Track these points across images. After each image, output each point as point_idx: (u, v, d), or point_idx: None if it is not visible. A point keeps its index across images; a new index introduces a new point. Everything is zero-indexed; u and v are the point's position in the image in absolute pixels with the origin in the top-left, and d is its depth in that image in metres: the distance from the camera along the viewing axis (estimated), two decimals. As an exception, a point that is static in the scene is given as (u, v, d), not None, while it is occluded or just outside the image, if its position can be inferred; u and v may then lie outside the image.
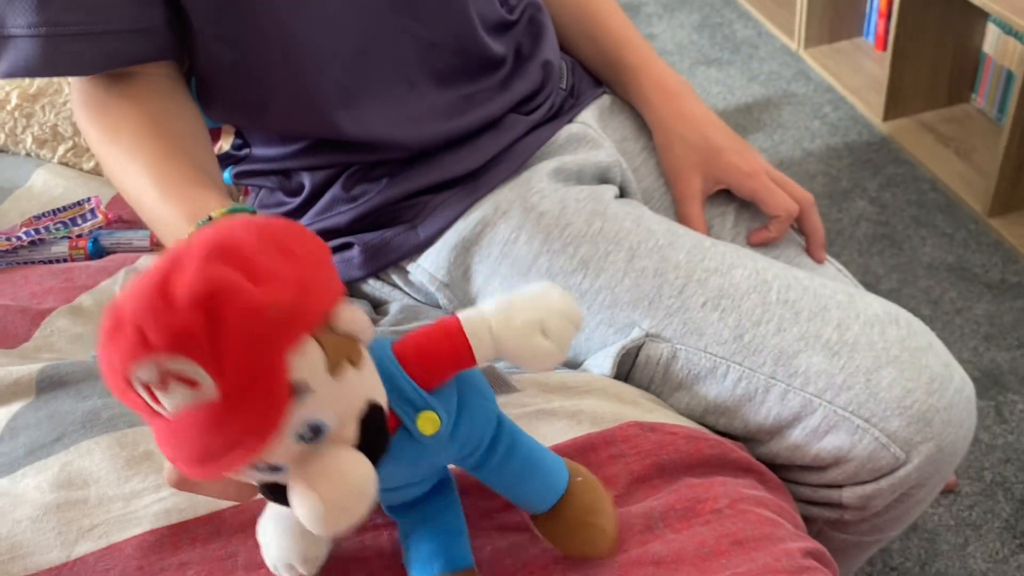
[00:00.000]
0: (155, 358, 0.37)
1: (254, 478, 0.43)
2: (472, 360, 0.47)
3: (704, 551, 0.56)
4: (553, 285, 0.50)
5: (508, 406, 0.68)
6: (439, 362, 0.47)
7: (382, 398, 0.44)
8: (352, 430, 0.42)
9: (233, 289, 0.37)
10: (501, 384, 0.69)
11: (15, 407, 0.67)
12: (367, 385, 0.43)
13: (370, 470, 0.42)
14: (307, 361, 0.39)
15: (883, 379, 0.67)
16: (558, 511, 0.54)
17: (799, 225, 0.86)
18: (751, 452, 0.70)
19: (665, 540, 0.57)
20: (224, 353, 0.37)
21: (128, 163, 0.65)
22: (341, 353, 0.41)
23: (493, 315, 0.48)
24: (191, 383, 0.37)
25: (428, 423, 0.46)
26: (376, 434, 0.43)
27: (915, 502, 0.74)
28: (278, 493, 0.42)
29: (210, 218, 0.50)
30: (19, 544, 0.58)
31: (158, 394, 0.38)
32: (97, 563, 0.57)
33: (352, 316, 0.42)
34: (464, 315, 0.48)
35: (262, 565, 0.56)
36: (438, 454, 0.49)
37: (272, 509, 0.52)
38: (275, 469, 0.41)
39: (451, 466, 0.56)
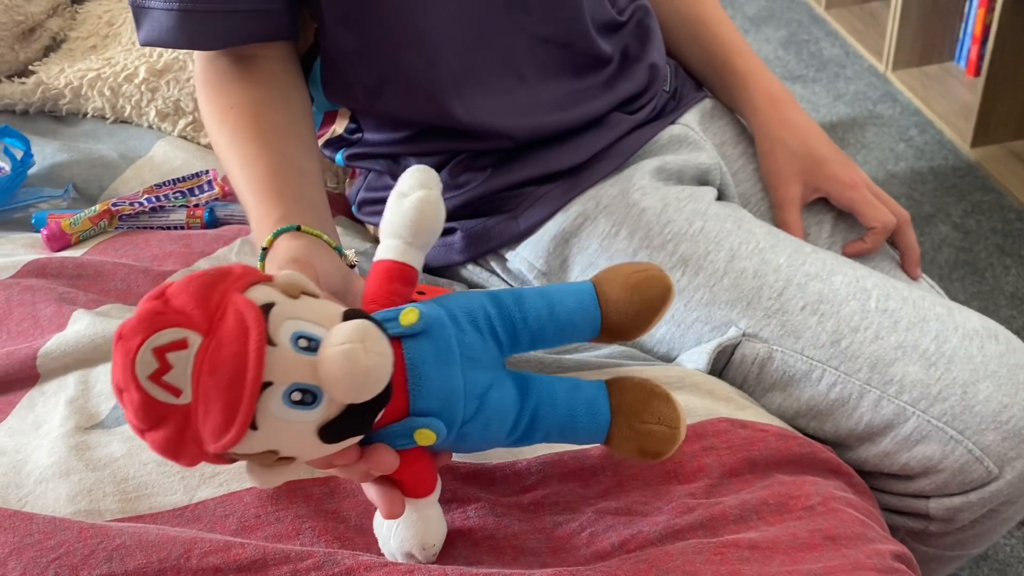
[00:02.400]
0: (142, 346, 0.43)
1: (294, 423, 0.45)
2: (404, 268, 0.56)
3: (797, 543, 0.58)
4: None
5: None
6: (380, 287, 0.55)
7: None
8: (342, 328, 0.46)
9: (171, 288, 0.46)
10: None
11: (141, 359, 0.72)
12: (334, 305, 0.48)
13: (371, 325, 0.46)
14: (261, 292, 0.46)
15: (980, 392, 0.68)
16: (613, 434, 0.55)
17: (895, 241, 0.86)
18: (839, 457, 0.71)
19: (759, 531, 0.59)
20: (188, 309, 0.44)
21: (228, 150, 0.70)
22: (293, 288, 0.47)
23: (386, 225, 0.58)
24: (180, 344, 0.43)
25: (409, 314, 0.51)
26: (359, 314, 0.48)
27: (1002, 520, 0.74)
28: (337, 428, 0.46)
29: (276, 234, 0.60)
30: (145, 484, 0.62)
31: (168, 379, 0.43)
32: (217, 508, 0.61)
33: (290, 274, 0.48)
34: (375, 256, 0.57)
35: (370, 530, 0.59)
36: (453, 332, 0.53)
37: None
38: (307, 395, 0.45)
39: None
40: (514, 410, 0.54)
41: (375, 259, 0.57)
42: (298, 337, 0.45)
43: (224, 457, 0.46)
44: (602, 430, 0.55)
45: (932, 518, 0.72)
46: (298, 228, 0.60)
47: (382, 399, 0.47)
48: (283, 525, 0.59)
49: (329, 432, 0.46)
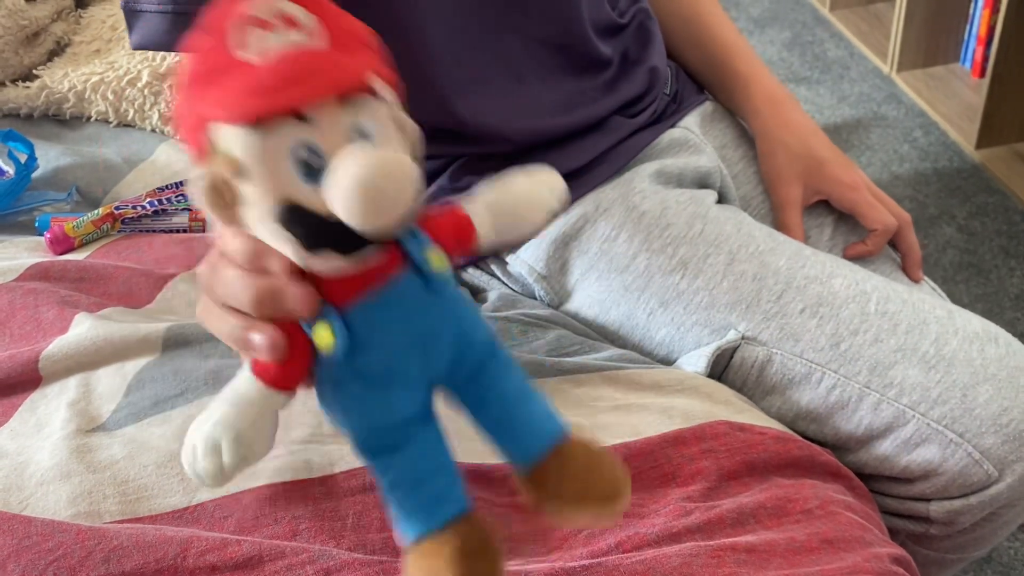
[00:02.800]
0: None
1: (294, 184, 0.40)
2: (469, 232, 0.46)
3: (795, 546, 0.58)
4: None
5: (600, 400, 0.70)
6: (440, 229, 0.46)
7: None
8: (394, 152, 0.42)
9: None
10: None
11: (142, 362, 0.72)
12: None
13: (414, 164, 0.40)
14: (386, 89, 0.42)
15: (980, 395, 0.68)
16: (561, 449, 0.45)
17: (895, 243, 0.86)
18: (839, 460, 0.71)
19: (757, 534, 0.59)
20: (344, 25, 0.41)
21: None
22: (408, 132, 0.43)
23: (481, 192, 0.48)
24: (298, 26, 0.40)
25: (437, 258, 0.44)
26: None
27: (1003, 523, 0.74)
28: (299, 219, 0.40)
29: None
30: (145, 486, 0.63)
31: (254, 33, 0.39)
32: (216, 510, 0.61)
33: (417, 128, 0.45)
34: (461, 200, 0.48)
35: (370, 529, 0.59)
36: (446, 309, 0.45)
37: (223, 392, 0.44)
38: (317, 170, 0.39)
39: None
40: (398, 418, 0.45)
41: (462, 202, 0.48)
42: (358, 129, 0.40)
43: (204, 144, 0.41)
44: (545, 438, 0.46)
45: (932, 521, 0.72)
46: None
47: (359, 242, 0.40)
48: (281, 526, 0.59)
49: (295, 217, 0.40)
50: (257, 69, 0.39)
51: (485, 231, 0.47)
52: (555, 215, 0.49)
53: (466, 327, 0.45)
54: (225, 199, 0.40)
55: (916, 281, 0.85)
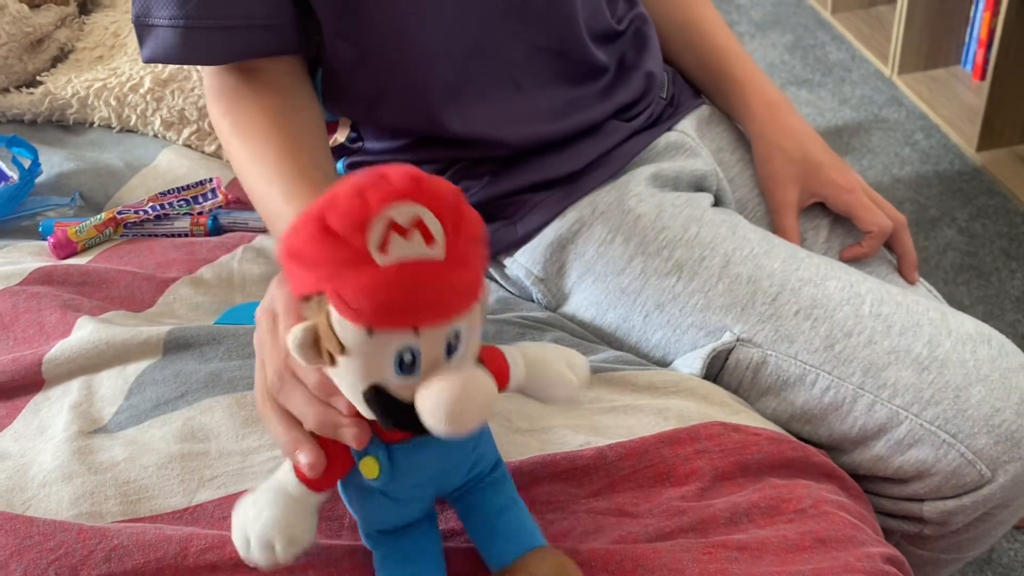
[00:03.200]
0: (421, 205, 0.43)
1: (387, 373, 0.45)
2: (507, 377, 0.53)
3: (787, 544, 0.58)
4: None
5: (596, 401, 0.71)
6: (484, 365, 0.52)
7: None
8: (470, 364, 0.48)
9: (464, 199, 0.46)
10: None
11: (144, 364, 0.73)
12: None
13: (495, 385, 0.46)
14: (482, 291, 0.46)
15: (972, 396, 0.68)
16: (530, 561, 0.53)
17: (891, 245, 0.87)
18: (834, 461, 0.72)
19: (749, 533, 0.60)
20: (459, 227, 0.44)
21: (253, 160, 0.71)
22: (484, 305, 0.48)
23: (526, 349, 0.54)
24: (429, 238, 0.43)
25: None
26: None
27: (996, 523, 0.74)
28: (389, 406, 0.46)
29: None
30: (146, 487, 0.63)
31: (392, 239, 0.43)
32: (215, 510, 0.62)
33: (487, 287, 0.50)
34: (501, 347, 0.54)
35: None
36: (471, 447, 0.53)
37: (268, 484, 0.51)
38: (411, 366, 0.45)
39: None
40: (407, 522, 0.54)
41: (503, 348, 0.55)
42: (455, 333, 0.45)
43: (308, 297, 0.46)
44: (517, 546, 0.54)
45: (926, 521, 0.73)
46: None
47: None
48: (279, 527, 0.60)
49: (383, 402, 0.46)
50: (386, 284, 0.43)
51: (517, 383, 0.53)
52: (571, 402, 0.57)
53: (481, 459, 0.54)
54: (321, 356, 0.46)
55: (912, 283, 0.85)
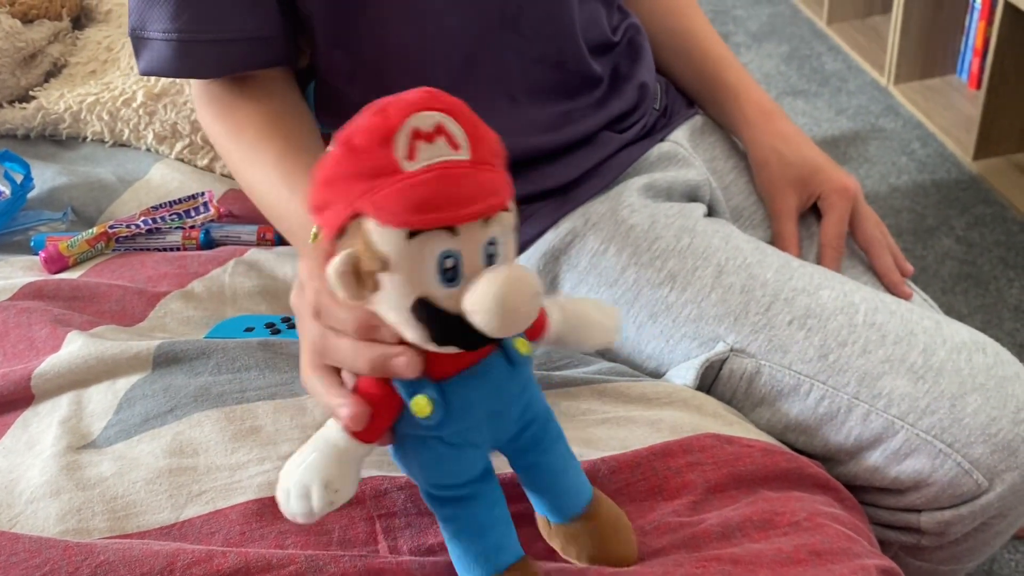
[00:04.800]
0: (439, 111, 0.45)
1: (432, 284, 0.45)
2: (543, 322, 0.54)
3: (781, 557, 0.57)
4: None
5: (588, 413, 0.70)
6: None
7: None
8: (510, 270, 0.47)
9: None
10: None
11: (133, 379, 0.73)
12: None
13: (539, 281, 0.46)
14: (511, 201, 0.47)
15: (968, 405, 0.67)
16: (593, 511, 0.56)
17: (871, 265, 0.85)
18: (829, 472, 0.71)
19: (743, 547, 0.59)
20: (479, 135, 0.46)
21: (253, 159, 0.71)
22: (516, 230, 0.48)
23: (560, 299, 0.55)
24: (453, 143, 0.45)
25: (523, 345, 0.51)
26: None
27: (994, 533, 0.73)
28: (437, 319, 0.45)
29: None
30: (133, 503, 0.63)
31: (418, 146, 0.44)
32: (203, 526, 0.61)
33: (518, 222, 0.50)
34: None
35: (355, 543, 0.59)
36: (521, 387, 0.52)
37: (314, 438, 0.50)
38: (453, 274, 0.45)
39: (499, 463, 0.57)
40: (468, 476, 0.53)
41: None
42: (491, 242, 0.46)
43: (341, 228, 0.46)
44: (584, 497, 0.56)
45: (924, 532, 0.72)
46: None
47: (482, 340, 0.46)
48: (267, 541, 0.59)
49: (430, 315, 0.45)
50: (420, 184, 0.44)
51: (555, 330, 0.54)
52: (609, 345, 0.57)
53: (531, 405, 0.54)
54: (360, 284, 0.46)
55: (905, 298, 0.84)
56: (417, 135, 0.44)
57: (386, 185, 0.44)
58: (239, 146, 0.72)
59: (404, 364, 0.47)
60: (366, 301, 0.47)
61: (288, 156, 0.69)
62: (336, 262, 0.45)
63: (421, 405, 0.48)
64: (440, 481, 0.52)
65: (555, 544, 0.57)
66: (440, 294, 0.45)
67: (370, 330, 0.48)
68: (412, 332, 0.47)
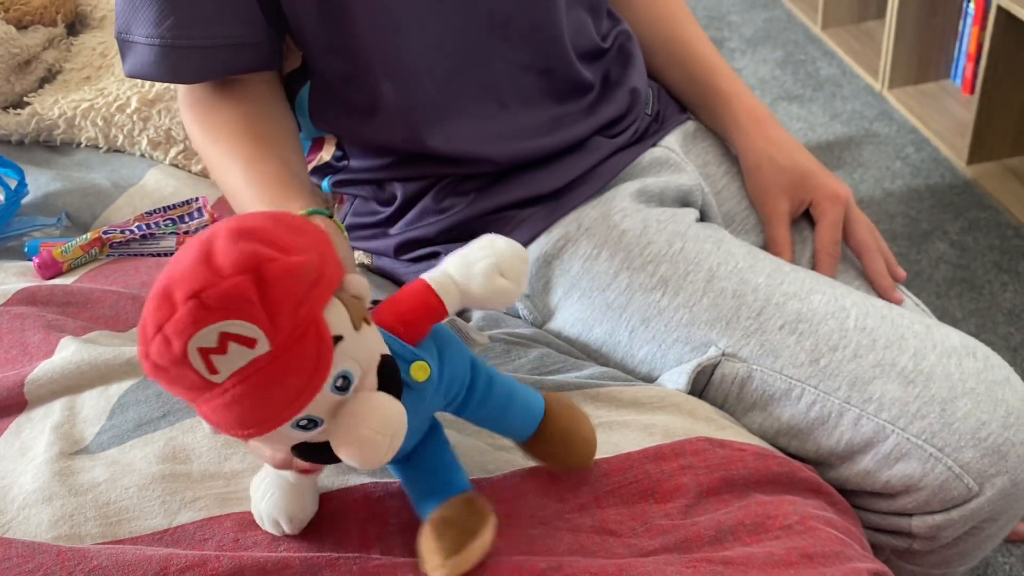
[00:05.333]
0: (215, 324, 0.42)
1: (292, 438, 0.48)
2: (444, 312, 0.54)
3: (773, 560, 0.58)
4: (497, 235, 0.57)
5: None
6: (416, 319, 0.54)
7: (387, 351, 0.50)
8: (372, 379, 0.48)
9: (268, 257, 0.43)
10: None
11: (126, 384, 0.73)
12: (378, 339, 0.49)
13: (400, 406, 0.47)
14: (337, 316, 0.46)
15: (958, 410, 0.68)
16: (542, 432, 0.60)
17: (864, 269, 0.86)
18: (821, 476, 0.71)
19: (734, 550, 0.59)
20: (274, 311, 0.43)
21: (227, 163, 0.72)
22: (359, 312, 0.48)
23: (454, 269, 0.55)
24: (247, 342, 0.42)
25: (420, 371, 0.52)
26: (392, 380, 0.49)
27: (985, 536, 0.74)
28: (312, 452, 0.49)
29: (310, 212, 0.62)
30: (126, 508, 0.63)
31: (214, 360, 0.42)
32: (196, 532, 0.61)
33: (359, 280, 0.49)
34: (428, 275, 0.55)
35: (348, 549, 0.59)
36: (431, 400, 0.55)
37: (269, 469, 0.58)
38: (312, 424, 0.47)
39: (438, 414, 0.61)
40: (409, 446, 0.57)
41: (425, 274, 0.56)
42: (339, 377, 0.46)
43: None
44: (535, 416, 0.60)
45: (915, 536, 0.72)
46: (330, 216, 0.63)
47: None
48: (260, 548, 0.59)
49: (305, 452, 0.49)
50: (233, 401, 0.43)
51: (454, 307, 0.55)
52: (517, 285, 0.57)
53: (452, 384, 0.56)
54: None
55: (896, 302, 0.85)
56: (207, 353, 0.42)
57: (203, 399, 0.44)
58: (214, 149, 0.73)
59: (302, 467, 0.54)
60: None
61: (255, 163, 0.70)
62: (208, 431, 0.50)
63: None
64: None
65: (530, 459, 0.63)
66: (308, 438, 0.48)
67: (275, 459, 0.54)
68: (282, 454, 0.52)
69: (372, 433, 0.46)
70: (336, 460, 0.49)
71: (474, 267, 0.55)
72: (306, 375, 0.44)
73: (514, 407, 0.59)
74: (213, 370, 0.43)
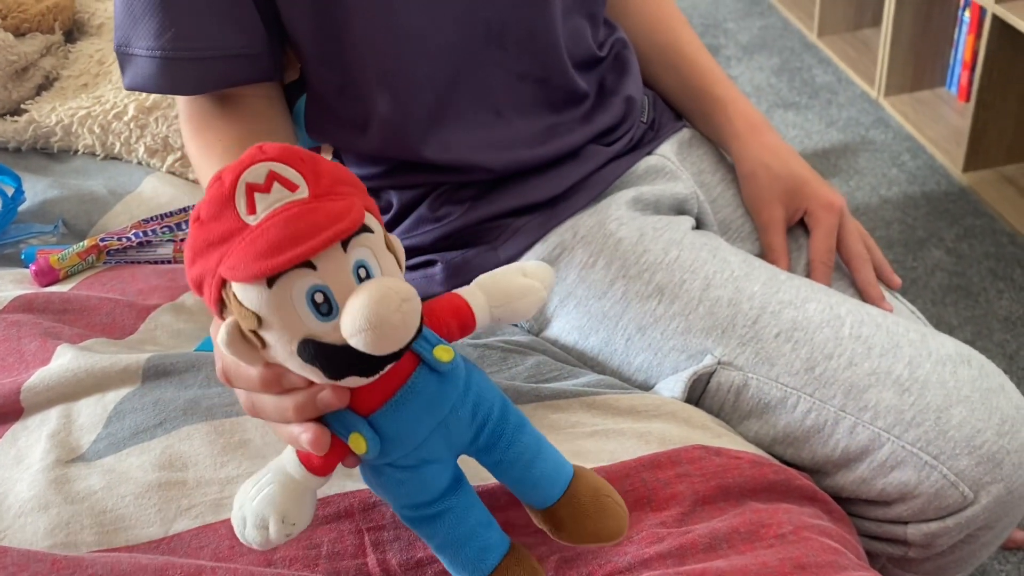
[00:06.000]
0: (266, 162, 0.46)
1: (304, 319, 0.45)
2: (473, 318, 0.55)
3: (766, 571, 0.58)
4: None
5: (578, 425, 0.71)
6: (443, 316, 0.54)
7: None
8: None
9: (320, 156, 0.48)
10: None
11: (123, 392, 0.73)
12: (404, 283, 0.47)
13: (414, 289, 0.46)
14: (372, 220, 0.47)
15: (953, 418, 0.68)
16: (571, 494, 0.55)
17: (853, 278, 0.86)
18: (817, 484, 0.71)
19: (729, 559, 0.59)
20: (318, 171, 0.47)
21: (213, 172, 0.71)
22: (393, 243, 0.49)
23: (480, 280, 0.57)
24: (290, 185, 0.46)
25: (444, 352, 0.51)
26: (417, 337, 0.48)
27: (981, 544, 0.74)
28: (320, 352, 0.45)
29: None
30: (122, 517, 0.63)
31: (257, 198, 0.45)
32: (192, 540, 0.61)
33: (399, 241, 0.51)
34: (457, 290, 0.56)
35: (344, 556, 0.59)
36: (459, 392, 0.52)
37: (270, 465, 0.52)
38: (327, 306, 0.45)
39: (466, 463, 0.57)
40: (435, 492, 0.54)
41: (459, 290, 0.57)
42: (359, 265, 0.46)
43: (219, 299, 0.46)
44: (563, 481, 0.56)
45: (911, 544, 0.72)
46: None
47: (377, 364, 0.46)
48: (256, 556, 0.59)
49: (313, 350, 0.45)
50: (262, 232, 0.44)
51: (483, 316, 0.55)
52: (545, 304, 0.58)
53: (480, 404, 0.53)
54: (251, 346, 0.47)
55: (895, 287, 0.86)
56: (252, 189, 0.45)
57: (236, 244, 0.45)
58: (209, 164, 0.73)
59: (328, 399, 0.48)
60: (264, 360, 0.48)
61: None
62: (221, 335, 0.46)
63: (357, 443, 0.49)
64: (409, 502, 0.53)
65: (545, 530, 0.57)
66: (322, 330, 0.45)
67: (276, 380, 0.49)
68: (309, 375, 0.47)
69: (388, 312, 0.44)
70: (345, 370, 0.46)
71: (497, 273, 0.57)
72: (334, 220, 0.45)
73: (545, 453, 0.56)
74: (252, 209, 0.45)
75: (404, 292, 0.45)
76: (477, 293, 0.55)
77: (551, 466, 0.55)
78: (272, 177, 0.45)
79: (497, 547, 0.55)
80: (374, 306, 0.43)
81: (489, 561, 0.54)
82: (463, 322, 0.55)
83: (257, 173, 0.45)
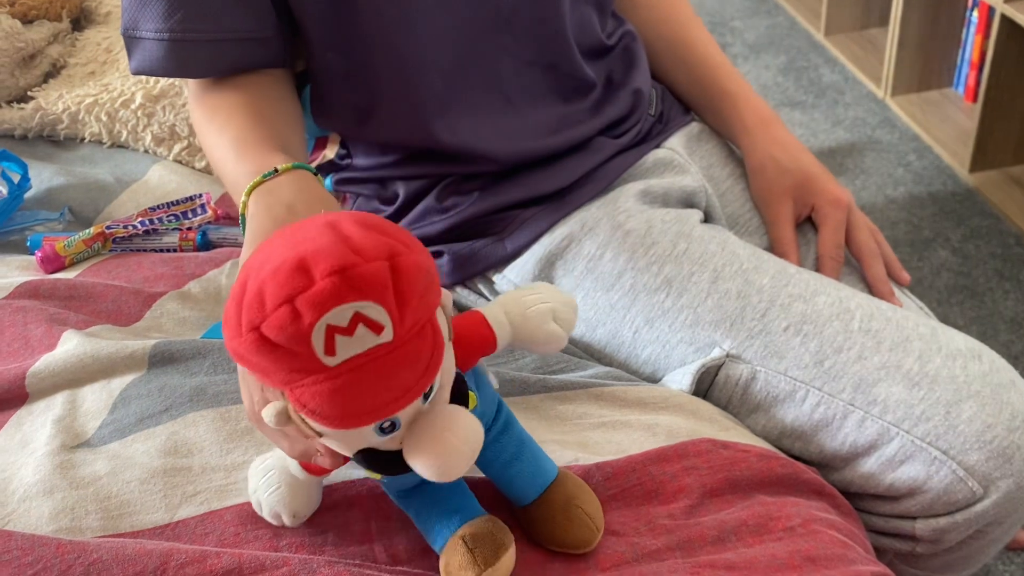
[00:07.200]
0: (353, 302, 0.41)
1: (366, 440, 0.46)
2: (495, 346, 0.55)
3: (776, 563, 0.57)
4: (548, 283, 0.59)
5: (585, 417, 0.70)
6: (471, 349, 0.55)
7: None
8: (446, 394, 0.48)
9: (399, 250, 0.42)
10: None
11: (128, 378, 0.72)
12: (451, 356, 0.49)
13: (479, 422, 0.47)
14: (443, 322, 0.46)
15: (963, 412, 0.67)
16: (545, 499, 0.57)
17: (864, 275, 0.86)
18: (825, 478, 0.71)
19: (737, 552, 0.59)
20: (402, 302, 0.42)
21: (218, 136, 0.71)
22: (450, 324, 0.48)
23: (509, 308, 0.56)
24: (376, 327, 0.41)
25: (470, 401, 0.52)
26: (463, 399, 0.49)
27: (989, 541, 0.73)
28: (376, 459, 0.48)
29: (275, 170, 0.60)
30: (127, 502, 0.63)
31: (338, 340, 0.41)
32: (197, 526, 0.61)
33: (448, 294, 0.49)
34: (484, 310, 0.56)
35: (350, 543, 0.59)
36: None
37: (276, 458, 0.57)
38: (392, 428, 0.46)
39: None
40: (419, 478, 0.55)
41: (480, 308, 0.57)
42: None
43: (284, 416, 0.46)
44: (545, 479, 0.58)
45: (919, 539, 0.72)
46: (315, 173, 0.62)
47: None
48: (261, 542, 0.59)
49: (370, 457, 0.48)
50: (344, 385, 0.42)
51: (504, 343, 0.56)
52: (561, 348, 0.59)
53: (483, 416, 0.55)
54: (298, 428, 0.47)
55: (903, 283, 0.85)
56: (334, 331, 0.41)
57: (308, 381, 0.42)
58: (211, 127, 0.72)
59: (326, 464, 0.51)
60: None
61: (247, 131, 0.69)
62: (269, 414, 0.46)
63: (374, 475, 0.53)
64: (396, 487, 0.57)
65: (522, 528, 0.59)
66: (379, 442, 0.47)
67: (312, 453, 0.52)
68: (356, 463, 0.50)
69: (458, 443, 0.45)
70: (398, 471, 0.48)
71: (529, 310, 0.56)
72: (417, 373, 0.43)
73: (525, 456, 0.57)
74: (331, 351, 0.41)
75: (471, 440, 0.46)
76: (503, 322, 0.55)
77: (529, 469, 0.57)
78: (357, 319, 0.41)
79: (471, 509, 0.56)
80: (445, 463, 0.45)
81: (458, 521, 0.55)
82: (485, 350, 0.56)
83: (342, 316, 0.41)
